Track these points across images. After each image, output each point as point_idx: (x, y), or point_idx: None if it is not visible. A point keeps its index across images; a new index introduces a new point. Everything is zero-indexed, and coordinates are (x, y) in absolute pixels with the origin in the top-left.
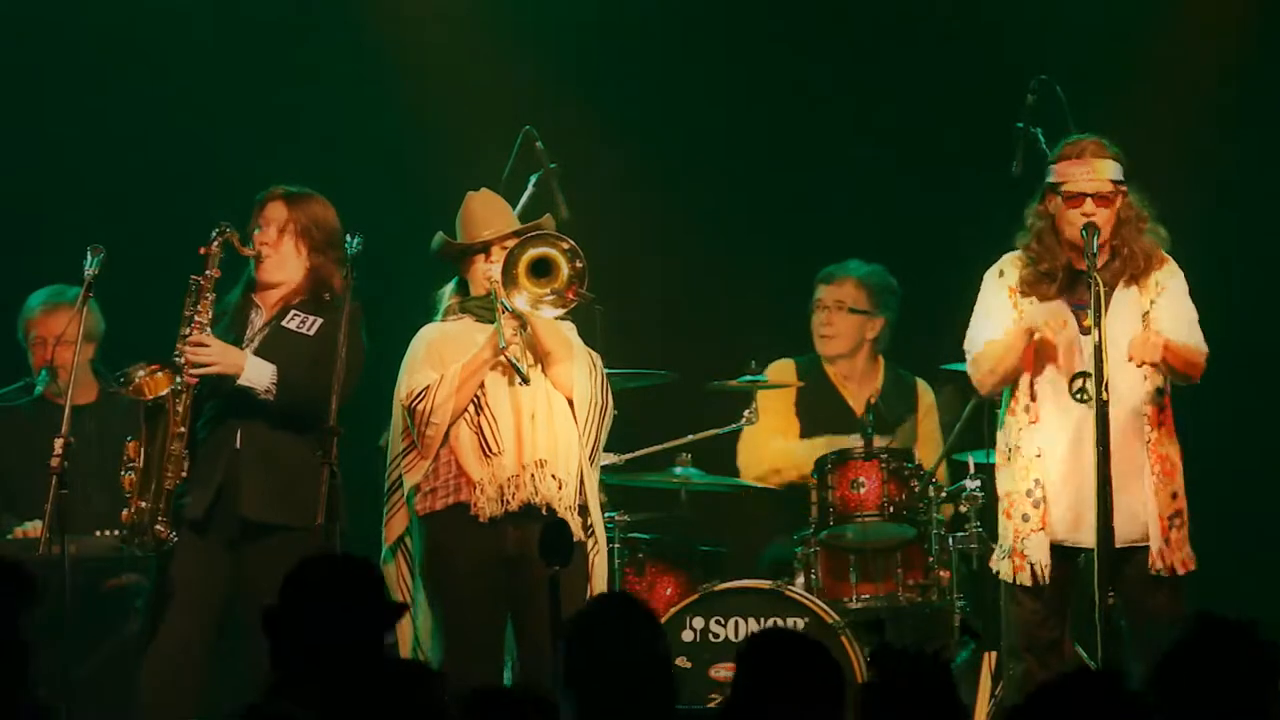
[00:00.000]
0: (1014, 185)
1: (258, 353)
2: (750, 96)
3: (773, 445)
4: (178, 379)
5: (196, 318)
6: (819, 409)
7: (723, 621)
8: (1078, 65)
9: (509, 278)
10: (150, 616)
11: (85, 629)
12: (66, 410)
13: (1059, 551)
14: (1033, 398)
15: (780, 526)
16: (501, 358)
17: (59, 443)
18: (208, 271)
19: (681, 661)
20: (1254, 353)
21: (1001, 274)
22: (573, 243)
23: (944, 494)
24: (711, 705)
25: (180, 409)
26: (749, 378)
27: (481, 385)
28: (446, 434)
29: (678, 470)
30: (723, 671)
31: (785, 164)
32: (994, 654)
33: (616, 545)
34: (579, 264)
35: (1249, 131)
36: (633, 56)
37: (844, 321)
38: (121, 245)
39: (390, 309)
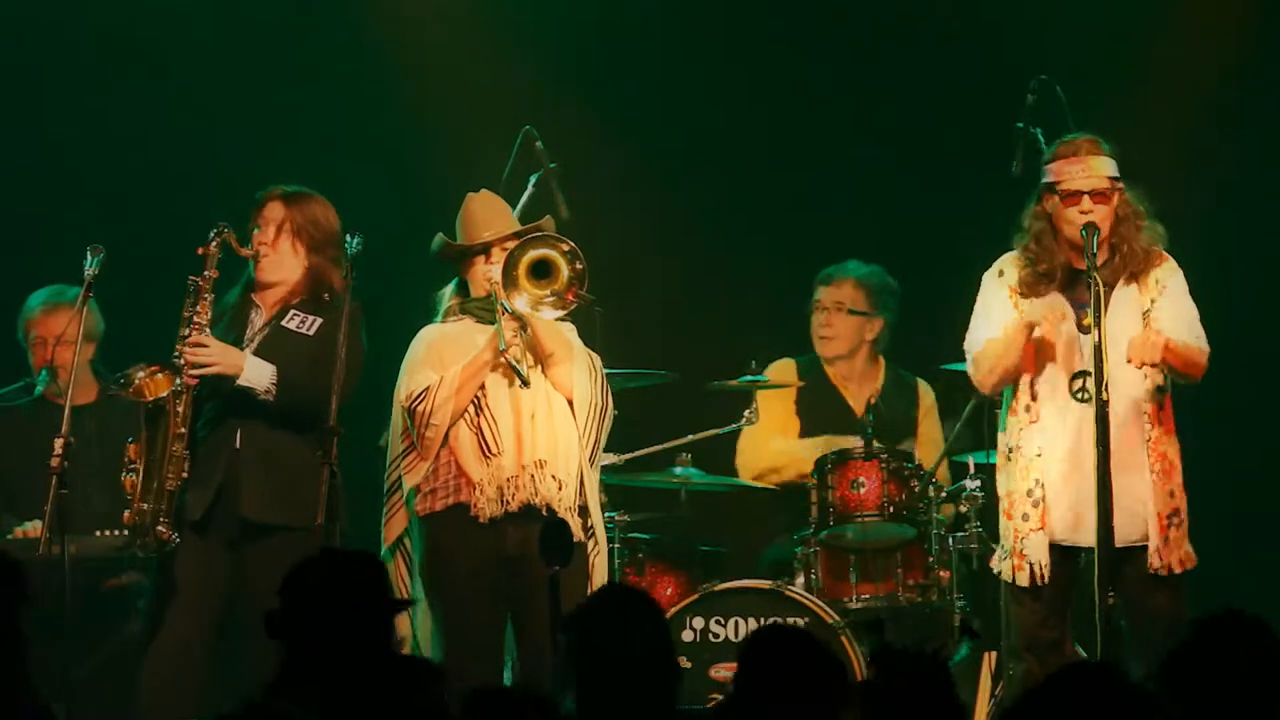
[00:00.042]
0: (1014, 185)
1: (257, 353)
2: (750, 96)
3: (772, 445)
4: (177, 380)
5: (195, 318)
6: (819, 409)
7: (723, 621)
8: (1078, 65)
9: (509, 279)
10: (150, 617)
11: (85, 629)
12: (66, 410)
13: (1060, 551)
14: (1033, 397)
15: (780, 526)
16: (502, 360)
17: (59, 443)
18: (206, 272)
19: (681, 661)
20: (1254, 353)
21: (1001, 274)
22: (573, 244)
23: (944, 494)
24: (711, 705)
25: (180, 410)
26: (749, 378)
27: (482, 386)
28: (446, 435)
29: (678, 470)
30: (723, 671)
31: (785, 164)
32: (994, 654)
33: (616, 545)
34: (579, 266)
35: (1249, 131)
36: (633, 56)
37: (843, 322)
38: (121, 245)
39: (390, 309)
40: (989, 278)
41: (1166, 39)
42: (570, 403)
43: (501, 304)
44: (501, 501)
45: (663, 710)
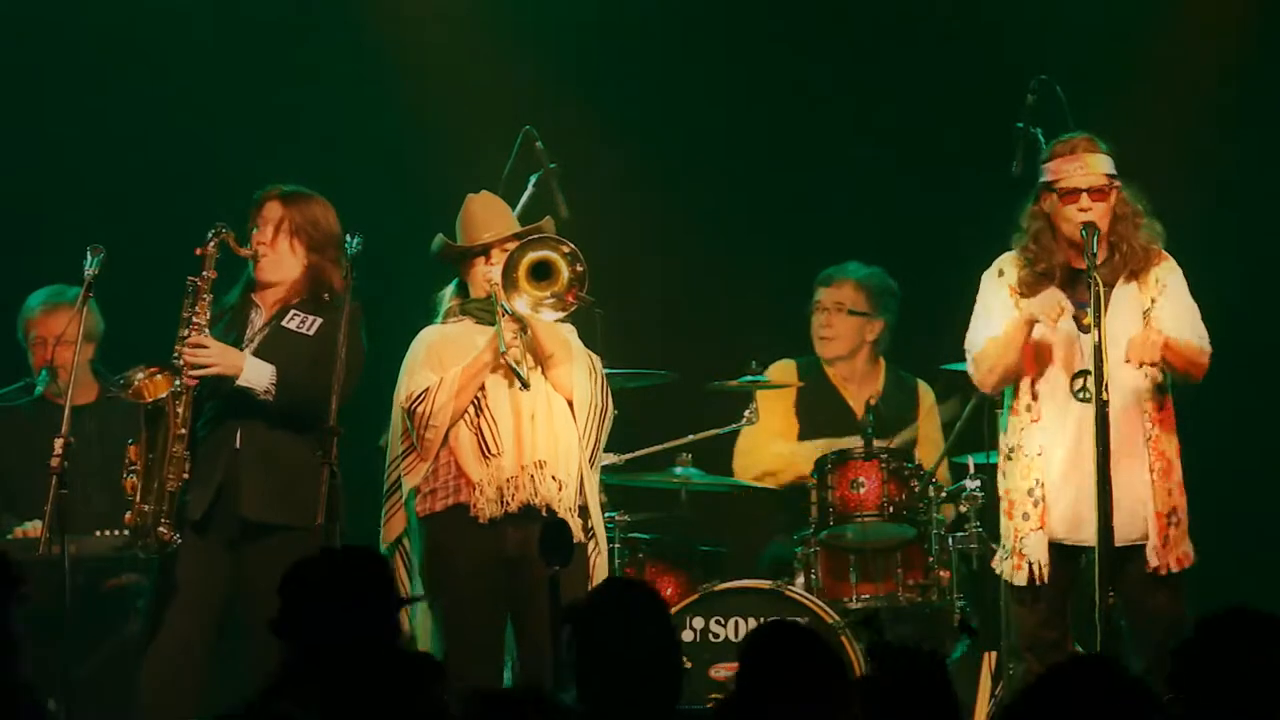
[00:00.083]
0: (1014, 185)
1: (257, 353)
2: (750, 96)
3: (771, 448)
4: (177, 381)
5: (194, 319)
6: (819, 410)
7: (723, 621)
8: (1078, 65)
9: (509, 281)
10: (150, 617)
11: (85, 629)
12: (66, 410)
13: (1060, 551)
14: (1034, 397)
15: (780, 526)
16: (502, 362)
17: (59, 443)
18: (204, 273)
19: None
20: (1254, 353)
21: (1001, 273)
22: (573, 246)
23: (944, 494)
24: (710, 705)
25: (180, 411)
26: (749, 378)
27: (481, 387)
28: (446, 435)
29: (678, 470)
30: (723, 671)
31: (785, 164)
32: (994, 654)
33: (616, 545)
34: (579, 268)
35: (1249, 131)
36: (633, 56)
37: (843, 323)
38: (121, 245)
39: (390, 309)
40: (988, 277)
41: (1166, 39)
42: (570, 404)
43: (501, 305)
44: (501, 502)
45: (664, 707)
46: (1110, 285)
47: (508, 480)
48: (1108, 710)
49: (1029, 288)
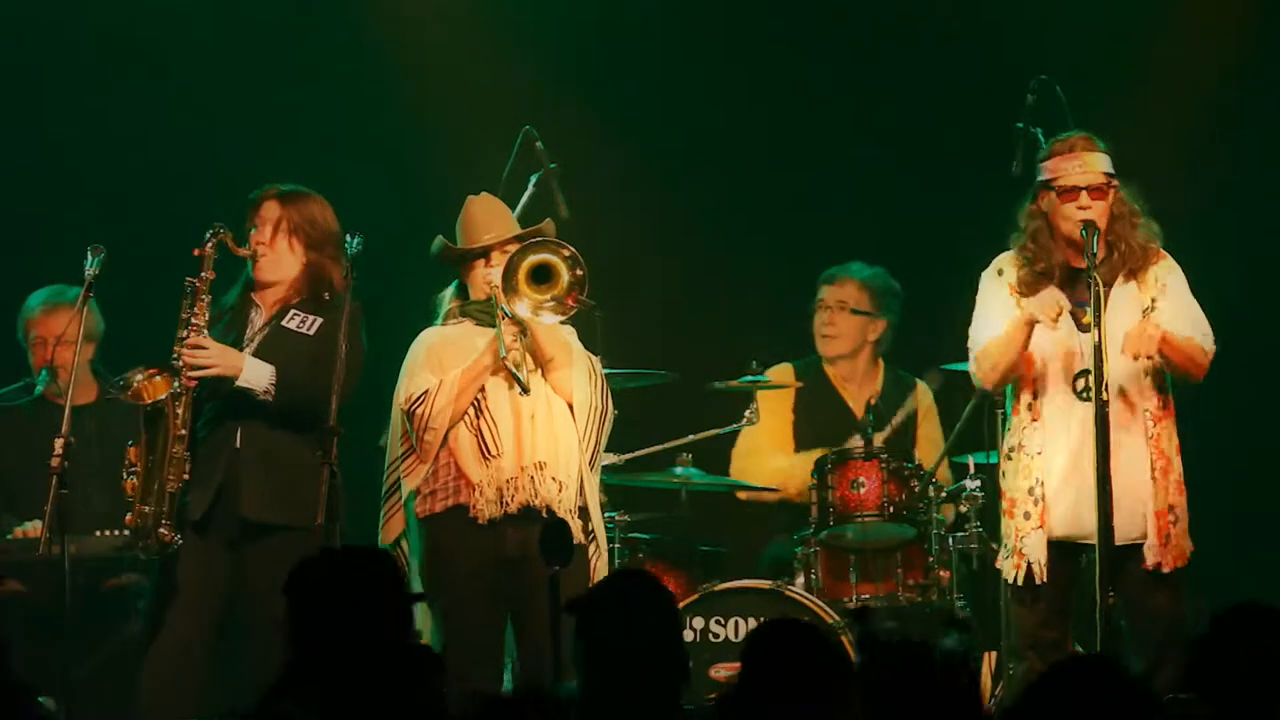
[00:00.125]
0: (1014, 185)
1: (257, 353)
2: (750, 96)
3: (770, 463)
4: (176, 382)
5: (193, 320)
6: (819, 410)
7: (723, 621)
8: (1078, 65)
9: (509, 285)
10: (150, 617)
11: (85, 629)
12: (66, 410)
13: (1061, 550)
14: (1035, 396)
15: (780, 526)
16: (503, 366)
17: (59, 443)
18: (203, 273)
19: None
20: (1254, 352)
21: (1000, 272)
22: (573, 250)
23: (944, 494)
24: (711, 700)
25: (180, 412)
26: (749, 378)
27: (481, 388)
28: (446, 436)
29: (678, 470)
30: (723, 671)
31: (785, 164)
32: (994, 654)
33: (616, 545)
34: (579, 271)
35: (1249, 131)
36: (633, 56)
37: (846, 322)
38: (121, 245)
39: (390, 309)
40: (988, 277)
41: (1166, 39)
42: (570, 406)
43: (501, 308)
44: (501, 503)
45: (665, 701)
46: (1109, 284)
47: (507, 481)
48: (1108, 711)
49: (1028, 287)
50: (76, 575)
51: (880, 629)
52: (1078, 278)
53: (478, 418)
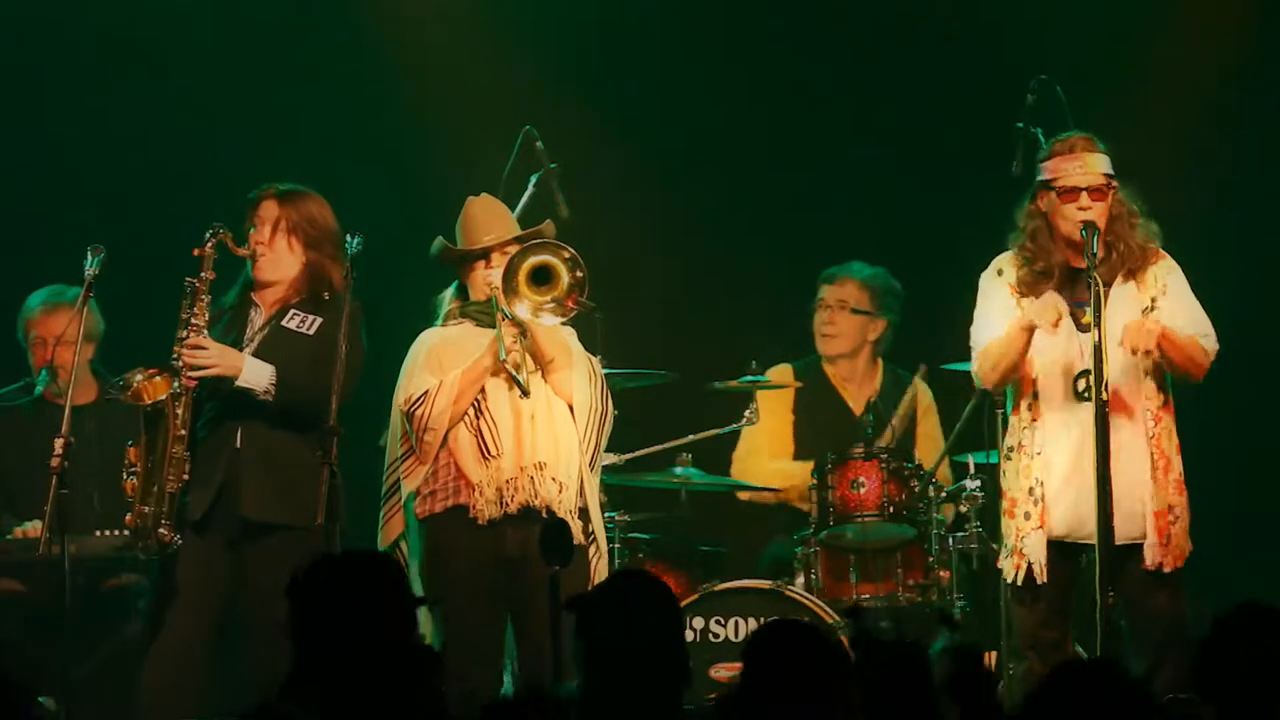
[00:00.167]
0: (1014, 185)
1: (257, 352)
2: (750, 96)
3: (769, 467)
4: (176, 382)
5: (193, 320)
6: (818, 410)
7: (723, 621)
8: (1078, 65)
9: (509, 287)
10: (151, 617)
11: (85, 629)
12: (66, 410)
13: (1061, 550)
14: (1035, 396)
15: (780, 526)
16: (503, 369)
17: (59, 443)
18: (203, 274)
19: None
20: (1254, 353)
21: (1000, 272)
22: (573, 251)
23: (944, 494)
24: (711, 700)
25: (180, 412)
26: (749, 378)
27: (481, 389)
28: (445, 437)
29: (678, 470)
30: (723, 671)
31: (785, 164)
32: (994, 654)
33: (616, 545)
34: (579, 273)
35: (1249, 131)
36: (633, 56)
37: (846, 321)
38: (121, 245)
39: (390, 309)
40: (987, 277)
41: (1166, 39)
42: (570, 407)
43: (502, 310)
44: (500, 503)
45: (666, 701)
46: (1107, 284)
47: (507, 482)
48: (1108, 716)
49: (1028, 287)
50: (76, 575)
51: (874, 628)
52: (1077, 278)
53: (478, 418)
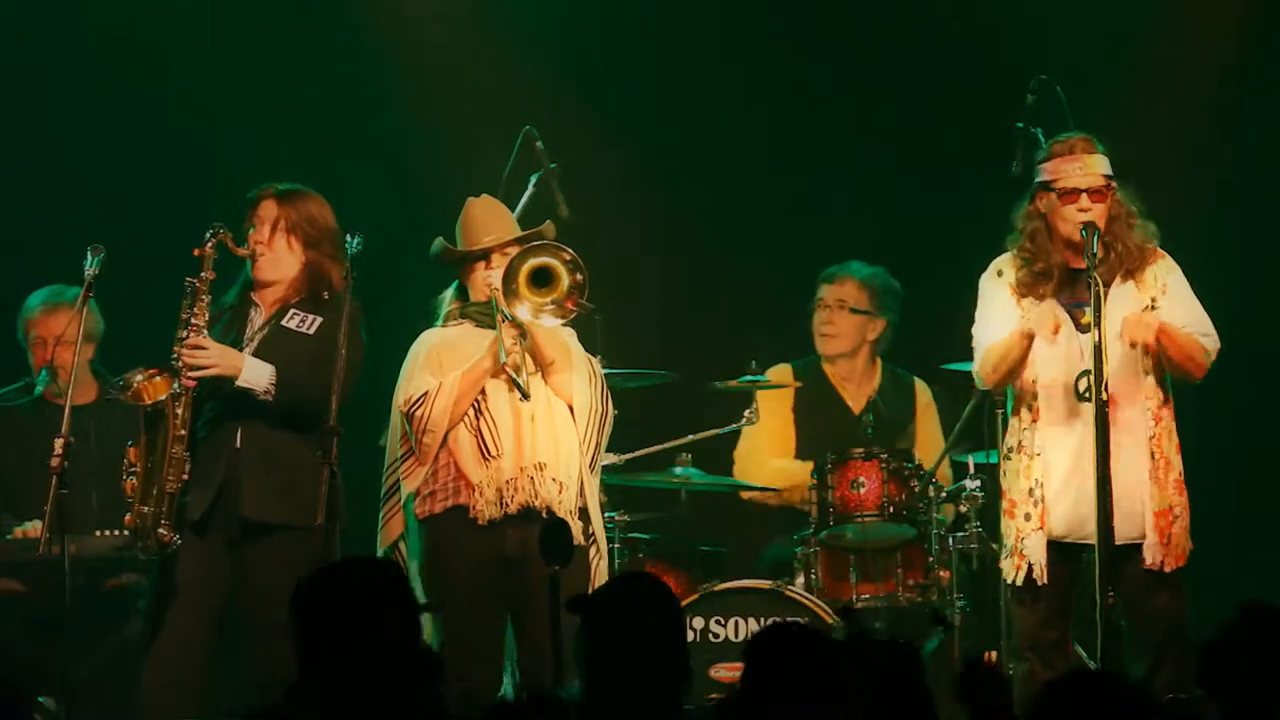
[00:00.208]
0: (1014, 185)
1: (257, 352)
2: (750, 96)
3: (770, 465)
4: (176, 383)
5: (193, 320)
6: (818, 410)
7: (723, 621)
8: (1078, 65)
9: (509, 288)
10: (150, 617)
11: (85, 629)
12: (66, 410)
13: (1062, 550)
14: (1035, 397)
15: (780, 526)
16: (503, 372)
17: (59, 443)
18: (203, 274)
19: None
20: (1254, 353)
21: (1000, 274)
22: (574, 253)
23: (944, 494)
24: (711, 700)
25: (180, 412)
26: (749, 378)
27: (481, 390)
28: (445, 437)
29: (678, 470)
30: (723, 671)
31: (785, 164)
32: (994, 654)
33: (616, 545)
34: (579, 276)
35: (1249, 131)
36: (633, 56)
37: (845, 321)
38: (121, 245)
39: (390, 310)
40: (987, 279)
41: (1166, 39)
42: (571, 408)
43: (502, 311)
44: (500, 504)
45: (667, 702)
46: (1107, 284)
47: (507, 482)
48: None
49: (1027, 288)
50: (76, 575)
51: (867, 628)
52: (1076, 278)
53: (478, 419)
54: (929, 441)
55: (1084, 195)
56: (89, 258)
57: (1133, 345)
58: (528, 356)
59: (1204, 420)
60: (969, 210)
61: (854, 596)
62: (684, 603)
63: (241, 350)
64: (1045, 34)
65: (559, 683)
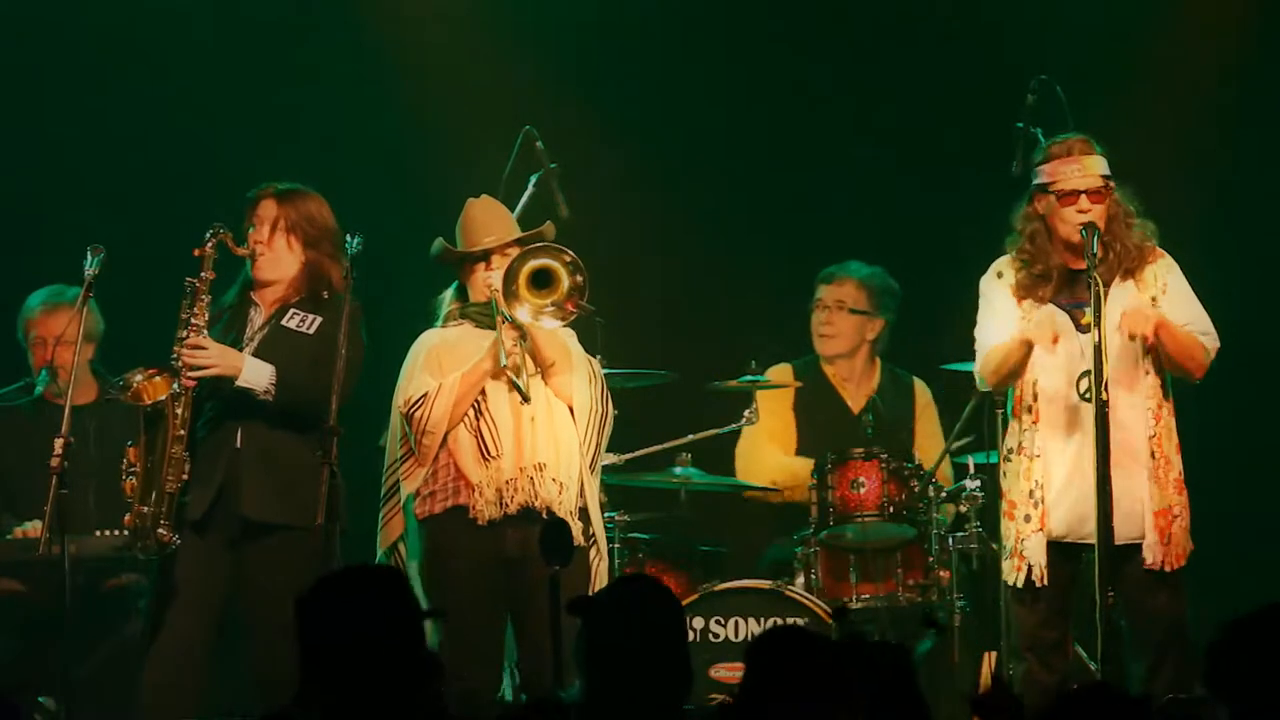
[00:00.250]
0: (1014, 185)
1: (257, 352)
2: (750, 96)
3: (770, 461)
4: (176, 383)
5: (193, 320)
6: (818, 410)
7: (723, 621)
8: (1078, 65)
9: (509, 290)
10: (151, 617)
11: (85, 629)
12: (66, 410)
13: (1062, 551)
14: (1035, 398)
15: (780, 526)
16: (504, 374)
17: (59, 443)
18: (203, 273)
19: None
20: (1254, 353)
21: (1000, 275)
22: (574, 255)
23: (944, 494)
24: (711, 701)
25: (179, 413)
26: (749, 378)
27: (481, 390)
28: (445, 438)
29: (678, 470)
30: (723, 671)
31: (785, 164)
32: (994, 654)
33: (616, 545)
34: (579, 277)
35: (1249, 131)
36: (633, 56)
37: (844, 321)
38: (121, 245)
39: (390, 310)
40: (988, 280)
41: (1166, 39)
42: (571, 409)
43: (502, 313)
44: (500, 504)
45: (669, 701)
46: (1106, 284)
47: (507, 482)
48: None
49: (1027, 289)
50: (76, 575)
51: (859, 630)
52: (1076, 279)
53: (477, 419)
54: (929, 441)
55: (1083, 196)
56: (89, 258)
57: (1131, 338)
58: (528, 358)
59: (1204, 420)
60: (969, 210)
61: (854, 596)
62: (684, 603)
63: (241, 350)
64: (1045, 34)
65: (559, 683)
